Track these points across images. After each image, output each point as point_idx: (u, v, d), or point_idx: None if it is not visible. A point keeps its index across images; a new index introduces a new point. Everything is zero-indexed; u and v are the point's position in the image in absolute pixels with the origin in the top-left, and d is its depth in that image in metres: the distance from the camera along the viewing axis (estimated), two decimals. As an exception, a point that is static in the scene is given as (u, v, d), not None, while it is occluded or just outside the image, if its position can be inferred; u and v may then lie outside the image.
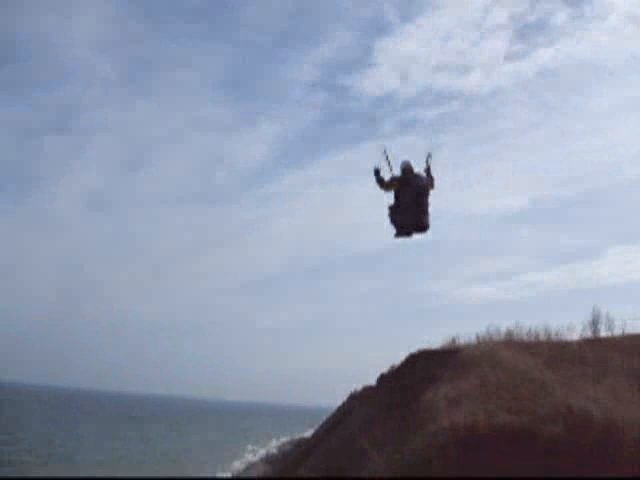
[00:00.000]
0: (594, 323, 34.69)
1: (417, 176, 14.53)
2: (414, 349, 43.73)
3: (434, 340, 45.33)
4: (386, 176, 14.67)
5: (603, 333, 34.35)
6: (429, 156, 14.35)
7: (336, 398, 71.80)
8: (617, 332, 33.87)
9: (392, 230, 15.22)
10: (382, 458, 23.63)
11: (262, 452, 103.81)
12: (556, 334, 35.71)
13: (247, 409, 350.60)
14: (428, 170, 14.74)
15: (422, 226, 14.39)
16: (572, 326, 36.25)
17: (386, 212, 15.00)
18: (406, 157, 14.81)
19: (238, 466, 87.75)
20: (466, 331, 48.29)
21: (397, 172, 14.91)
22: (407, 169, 14.39)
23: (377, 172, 14.54)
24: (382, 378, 48.20)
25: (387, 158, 14.46)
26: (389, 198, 15.42)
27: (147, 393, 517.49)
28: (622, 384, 22.32)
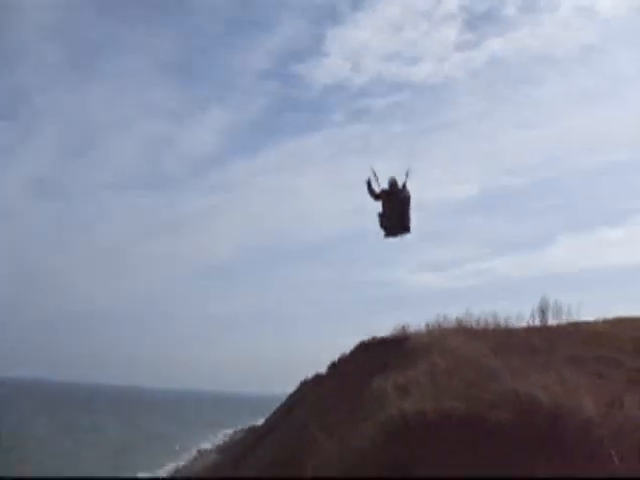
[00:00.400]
0: (542, 311, 35.14)
1: (401, 190, 16.56)
2: (364, 337, 43.99)
3: (384, 328, 45.61)
4: (376, 188, 16.60)
5: (551, 321, 34.81)
6: (407, 173, 16.15)
7: (288, 386, 71.97)
8: (565, 320, 34.36)
9: (381, 232, 17.16)
10: (333, 445, 23.71)
11: (213, 441, 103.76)
12: (505, 322, 36.15)
13: (199, 398, 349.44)
14: (404, 184, 16.66)
15: (406, 229, 16.73)
16: (521, 314, 36.71)
17: (376, 218, 16.88)
18: (392, 174, 16.55)
19: (189, 456, 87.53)
20: (416, 319, 48.76)
21: (384, 185, 16.93)
22: (393, 183, 16.41)
23: (369, 184, 16.51)
24: (333, 366, 48.33)
25: (375, 175, 16.54)
26: (378, 206, 17.25)
27: (98, 383, 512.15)
28: (569, 371, 22.60)
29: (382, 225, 17.43)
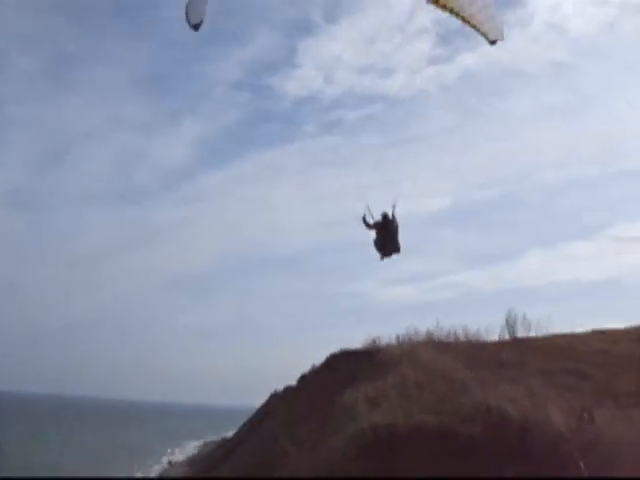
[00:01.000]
0: (509, 325, 35.32)
1: (391, 221, 19.05)
2: (335, 349, 43.94)
3: (355, 340, 45.51)
4: (370, 221, 19.15)
5: (520, 334, 34.98)
6: (394, 206, 18.90)
7: (258, 398, 71.62)
8: (533, 333, 34.55)
9: (376, 254, 19.30)
10: (302, 458, 23.60)
11: (183, 453, 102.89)
12: (475, 335, 36.27)
13: (169, 410, 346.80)
14: (393, 215, 19.13)
15: (397, 250, 19.34)
16: (490, 327, 36.87)
17: (371, 244, 19.28)
18: (384, 209, 18.91)
19: (158, 467, 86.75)
20: (387, 332, 48.73)
21: (377, 217, 19.24)
22: (385, 216, 18.97)
23: (364, 219, 19.17)
24: (303, 378, 48.19)
25: (369, 210, 19.11)
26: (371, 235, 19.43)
27: (68, 395, 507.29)
28: (538, 384, 22.71)
29: (378, 249, 19.56)
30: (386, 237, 19.49)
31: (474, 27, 17.80)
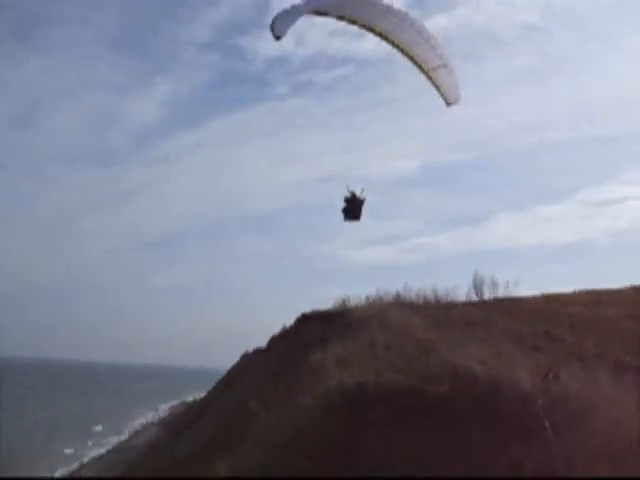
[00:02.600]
0: (476, 286, 35.58)
1: (359, 197, 22.67)
2: (305, 310, 44.08)
3: (325, 301, 45.79)
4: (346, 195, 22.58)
5: (488, 296, 35.26)
6: (363, 189, 22.42)
7: (231, 359, 71.89)
8: (502, 295, 34.83)
9: (340, 216, 22.63)
10: (271, 418, 23.64)
11: (155, 414, 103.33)
12: (444, 296, 36.49)
13: (140, 372, 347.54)
14: (359, 195, 22.63)
15: (357, 217, 22.77)
16: (459, 289, 37.13)
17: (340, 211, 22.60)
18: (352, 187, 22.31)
19: (131, 430, 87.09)
20: (356, 293, 49.00)
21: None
22: (353, 194, 22.55)
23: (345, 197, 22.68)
24: (273, 339, 48.37)
25: (348, 189, 22.49)
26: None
27: (38, 357, 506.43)
28: (505, 344, 22.88)
29: (345, 215, 22.82)
30: (353, 208, 22.80)
31: (436, 86, 19.96)
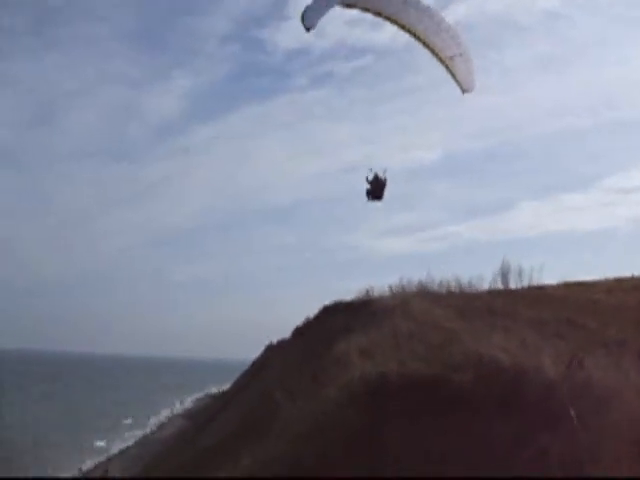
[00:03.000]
0: (503, 275, 35.42)
1: (381, 179, 23.30)
2: (328, 301, 44.16)
3: (349, 292, 45.81)
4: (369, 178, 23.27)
5: (513, 284, 35.09)
6: (385, 171, 23.16)
7: (253, 351, 72.18)
8: (526, 284, 34.66)
9: (364, 198, 23.39)
10: (295, 408, 23.74)
11: (180, 407, 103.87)
12: (468, 285, 36.39)
13: (165, 364, 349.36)
14: (382, 176, 23.33)
15: (379, 197, 23.39)
16: (482, 277, 37.00)
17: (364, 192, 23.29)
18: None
19: (156, 421, 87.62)
20: (380, 283, 48.97)
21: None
22: (376, 176, 23.19)
23: (367, 178, 23.32)
24: (297, 330, 48.50)
25: (371, 171, 23.09)
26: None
27: (63, 351, 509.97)
28: (530, 333, 22.80)
29: (368, 195, 23.45)
30: (375, 189, 23.50)
31: (452, 74, 20.30)
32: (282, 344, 53.12)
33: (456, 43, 19.97)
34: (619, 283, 33.96)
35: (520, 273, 35.23)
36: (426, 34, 19.52)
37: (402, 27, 19.53)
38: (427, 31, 19.50)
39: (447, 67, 20.06)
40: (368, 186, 23.62)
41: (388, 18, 19.47)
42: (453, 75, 20.36)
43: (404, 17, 19.41)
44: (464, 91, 20.93)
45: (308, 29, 19.17)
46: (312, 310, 46.96)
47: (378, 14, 19.43)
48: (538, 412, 17.17)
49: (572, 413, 16.30)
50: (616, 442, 15.39)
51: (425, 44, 19.72)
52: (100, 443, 70.85)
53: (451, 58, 19.92)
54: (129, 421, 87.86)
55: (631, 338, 22.01)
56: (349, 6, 19.54)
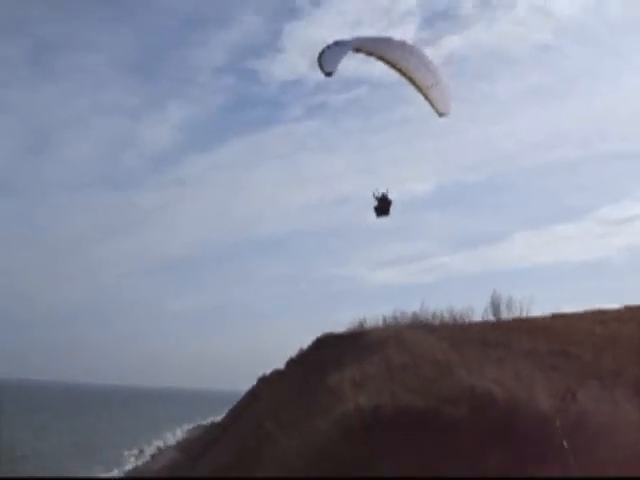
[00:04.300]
0: (494, 306, 35.46)
1: (388, 198, 23.52)
2: (322, 332, 44.12)
3: (341, 323, 45.78)
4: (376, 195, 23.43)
5: (505, 316, 35.11)
6: (387, 190, 23.36)
7: (246, 382, 71.78)
8: (518, 315, 34.68)
9: (372, 215, 23.63)
10: (289, 441, 23.59)
11: (172, 438, 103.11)
12: (460, 316, 36.39)
13: (158, 395, 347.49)
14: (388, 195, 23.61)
15: (386, 212, 23.50)
16: (476, 309, 37.03)
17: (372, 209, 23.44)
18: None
19: (148, 453, 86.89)
20: (373, 314, 48.97)
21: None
22: (384, 195, 23.36)
23: (374, 194, 23.54)
24: (290, 362, 48.37)
25: (377, 191, 23.28)
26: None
27: (56, 381, 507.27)
28: (524, 365, 22.74)
29: (376, 212, 23.61)
30: (383, 206, 24.01)
31: (429, 100, 21.52)
32: (275, 375, 52.86)
33: (433, 75, 21.57)
34: (613, 314, 33.94)
35: (510, 304, 35.33)
36: (409, 69, 21.01)
37: (393, 66, 21.03)
38: (411, 66, 21.06)
39: (426, 95, 21.38)
40: (376, 203, 24.00)
41: (388, 61, 20.95)
42: (430, 102, 21.60)
43: (401, 60, 21.05)
44: (440, 115, 22.02)
45: (329, 74, 19.56)
46: (306, 341, 46.93)
47: (381, 58, 20.84)
48: (531, 445, 17.10)
49: (565, 446, 16.22)
50: (609, 475, 15.34)
51: (409, 77, 21.14)
52: (88, 475, 70.07)
53: (428, 88, 21.27)
54: (120, 452, 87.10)
55: (625, 370, 21.96)
56: (357, 50, 20.49)
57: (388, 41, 21.78)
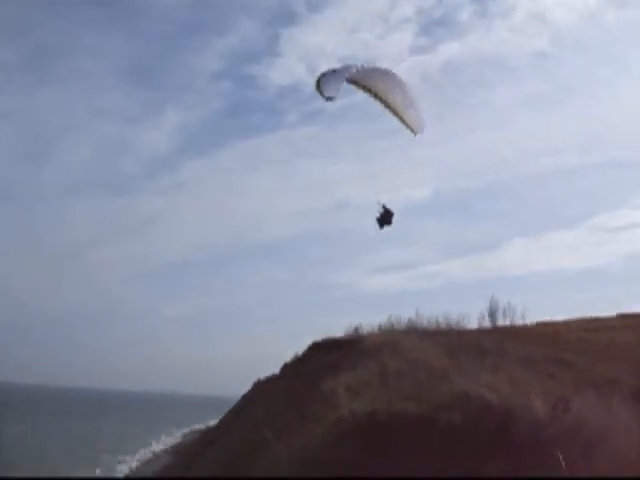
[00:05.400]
0: (491, 313, 35.48)
1: (390, 210, 24.21)
2: (317, 338, 44.07)
3: (337, 329, 45.75)
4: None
5: (501, 322, 35.13)
6: (385, 204, 23.93)
7: (241, 387, 71.71)
8: (514, 322, 34.70)
9: (375, 226, 24.33)
10: (283, 446, 23.50)
11: (167, 442, 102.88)
12: (456, 323, 36.40)
13: (153, 399, 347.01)
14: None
15: (389, 223, 24.04)
16: (472, 315, 37.05)
17: (374, 220, 24.16)
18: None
19: (142, 458, 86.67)
20: (369, 320, 48.99)
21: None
22: (385, 207, 23.95)
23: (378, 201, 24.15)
24: (285, 367, 48.33)
25: (379, 202, 23.79)
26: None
27: (52, 385, 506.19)
28: (519, 372, 22.69)
29: (379, 223, 24.22)
30: (386, 216, 24.52)
31: (400, 118, 22.52)
32: (270, 380, 52.82)
33: (409, 98, 22.87)
34: (608, 321, 33.99)
35: (506, 311, 35.36)
36: (390, 95, 22.12)
37: (379, 98, 22.16)
38: (391, 93, 22.19)
39: (402, 118, 22.58)
40: (378, 215, 24.46)
41: (375, 94, 21.95)
42: (406, 123, 22.81)
43: (387, 93, 22.20)
44: (415, 133, 23.15)
45: (329, 99, 20.34)
46: (301, 346, 46.82)
47: (369, 90, 21.79)
48: (526, 452, 17.03)
49: (560, 455, 16.17)
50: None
51: (385, 101, 22.14)
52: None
53: (402, 110, 22.46)
54: (116, 456, 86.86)
55: (621, 377, 21.94)
56: (349, 82, 21.29)
57: (375, 72, 22.46)
